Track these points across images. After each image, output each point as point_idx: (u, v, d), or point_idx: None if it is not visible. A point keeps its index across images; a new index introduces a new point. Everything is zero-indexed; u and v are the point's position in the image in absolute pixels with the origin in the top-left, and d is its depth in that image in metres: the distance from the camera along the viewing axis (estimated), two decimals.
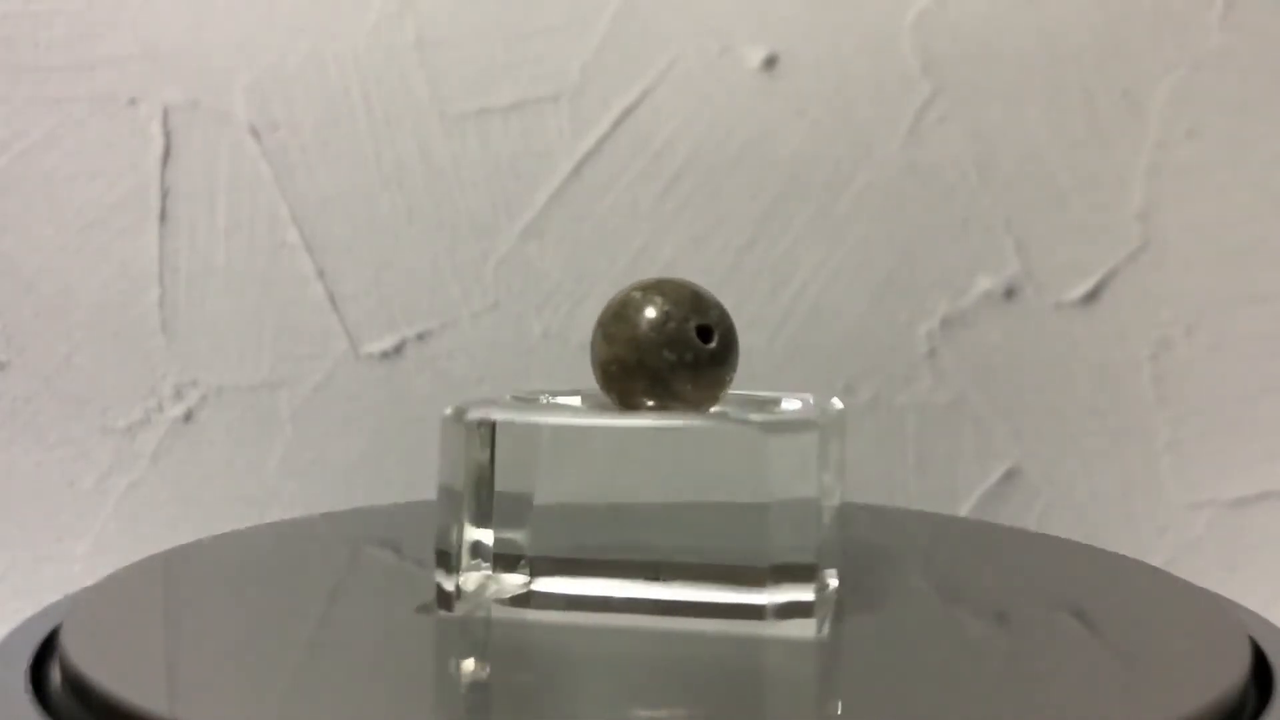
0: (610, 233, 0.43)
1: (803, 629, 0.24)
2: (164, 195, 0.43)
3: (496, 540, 0.26)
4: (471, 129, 0.43)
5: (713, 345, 0.26)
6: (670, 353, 0.26)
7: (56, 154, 0.42)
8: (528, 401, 0.28)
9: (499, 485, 0.26)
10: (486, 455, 0.26)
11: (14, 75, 0.42)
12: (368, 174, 0.43)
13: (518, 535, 0.26)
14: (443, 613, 0.25)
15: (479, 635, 0.25)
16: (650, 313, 0.26)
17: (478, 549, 0.26)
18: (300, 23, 0.42)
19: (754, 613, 0.24)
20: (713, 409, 0.27)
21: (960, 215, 0.42)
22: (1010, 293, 0.42)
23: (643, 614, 0.25)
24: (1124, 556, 0.31)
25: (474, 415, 0.26)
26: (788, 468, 0.24)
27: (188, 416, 0.43)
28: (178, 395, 0.43)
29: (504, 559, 0.26)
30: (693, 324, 0.26)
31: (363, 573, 0.30)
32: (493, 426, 0.26)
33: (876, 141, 0.42)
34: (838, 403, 0.28)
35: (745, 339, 0.43)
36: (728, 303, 0.42)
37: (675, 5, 0.42)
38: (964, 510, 0.43)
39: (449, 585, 0.25)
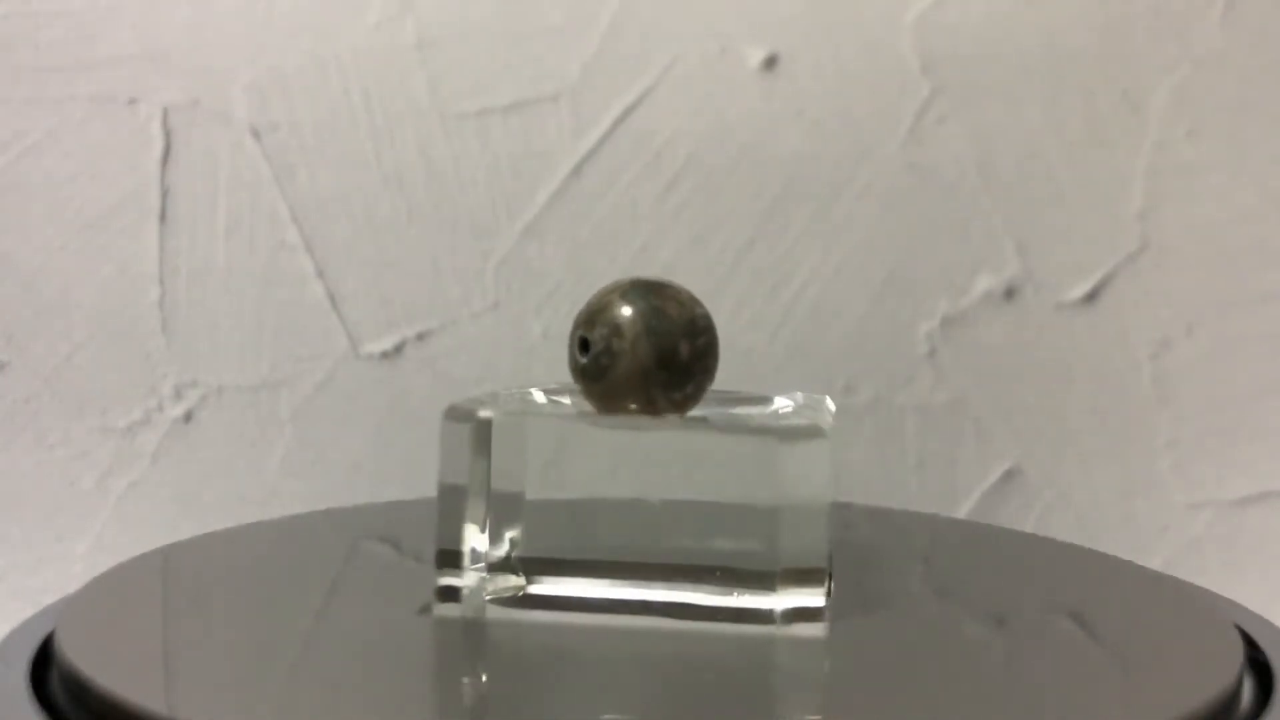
0: (610, 233, 0.43)
1: (812, 633, 0.24)
2: (164, 195, 0.43)
3: (495, 540, 0.26)
4: (471, 129, 0.43)
5: (584, 361, 0.26)
6: (571, 357, 0.26)
7: (56, 154, 0.42)
8: (527, 399, 0.28)
9: (496, 484, 0.26)
10: (488, 454, 0.26)
11: (14, 75, 0.42)
12: (368, 174, 0.43)
13: (515, 535, 0.26)
14: (441, 612, 0.25)
15: (477, 634, 0.25)
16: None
17: (477, 549, 0.26)
18: (300, 23, 0.42)
19: (763, 617, 0.25)
20: (694, 412, 0.27)
21: (960, 215, 0.42)
22: (1010, 293, 0.42)
23: (647, 616, 0.25)
24: (1121, 559, 0.31)
25: (480, 413, 0.26)
26: (797, 474, 0.24)
27: (188, 416, 0.43)
28: (178, 395, 0.43)
29: (502, 559, 0.26)
30: (579, 334, 0.26)
31: (361, 570, 0.30)
32: (489, 425, 0.26)
33: (876, 141, 0.42)
34: (830, 404, 0.29)
35: (745, 339, 0.43)
36: (727, 303, 0.42)
37: (675, 5, 0.42)
38: (964, 510, 0.43)
39: (449, 583, 0.25)
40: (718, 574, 0.25)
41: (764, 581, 0.25)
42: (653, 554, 0.26)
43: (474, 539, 0.26)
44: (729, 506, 0.25)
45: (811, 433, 0.25)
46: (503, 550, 0.26)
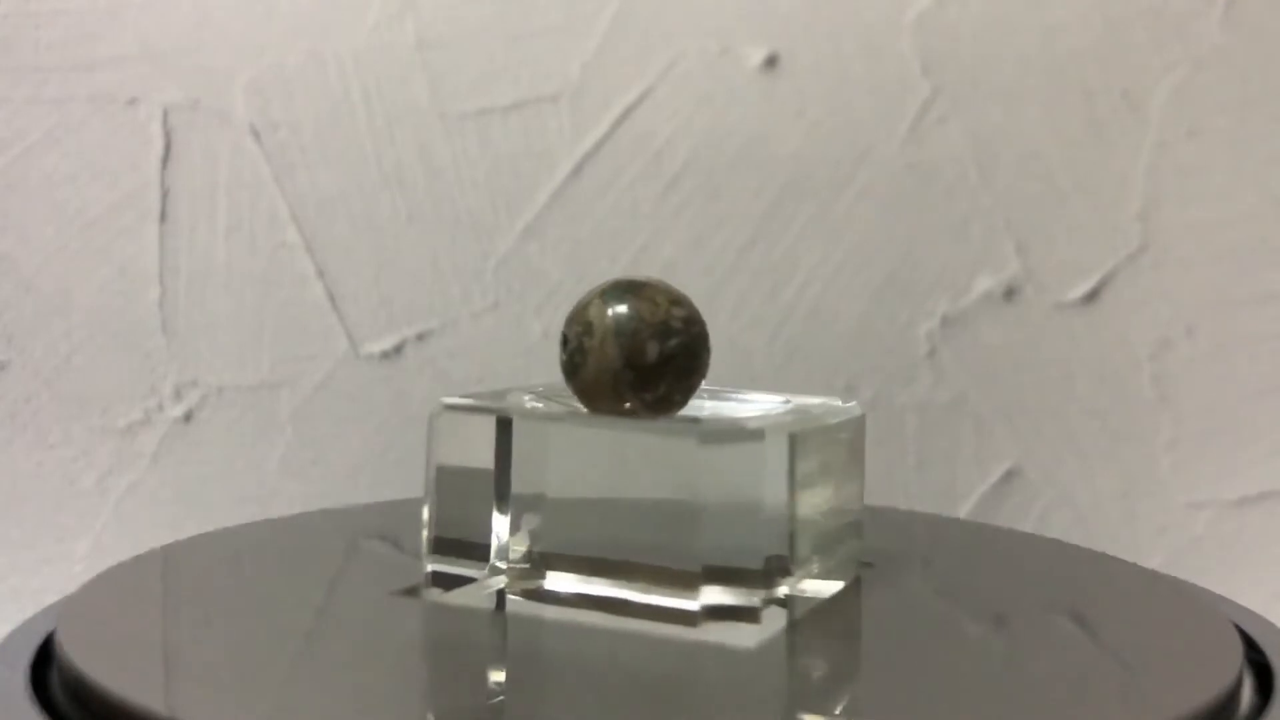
0: (610, 233, 0.43)
1: (740, 635, 0.24)
2: (164, 195, 0.43)
3: (484, 533, 0.26)
4: (471, 129, 0.43)
5: (563, 358, 0.26)
6: (560, 354, 0.27)
7: (56, 154, 0.42)
8: (508, 397, 0.28)
9: (500, 479, 0.26)
10: (488, 448, 0.26)
11: (14, 75, 0.42)
12: (368, 174, 0.43)
13: (500, 529, 0.26)
14: (434, 603, 0.25)
15: (472, 630, 0.25)
16: None
17: (465, 541, 0.26)
18: (300, 23, 0.42)
19: (686, 617, 0.24)
20: (680, 413, 0.27)
21: (960, 215, 0.42)
22: (1010, 293, 0.42)
23: (579, 609, 0.25)
24: (1120, 559, 0.31)
25: (468, 409, 0.26)
26: (727, 475, 0.24)
27: (188, 416, 0.43)
28: (178, 395, 0.43)
29: (493, 553, 0.26)
30: (561, 331, 0.27)
31: (361, 569, 0.31)
32: (504, 422, 0.26)
33: (876, 141, 0.42)
34: (855, 407, 0.29)
35: (745, 339, 0.43)
36: (727, 303, 0.42)
37: (675, 5, 0.42)
38: (964, 510, 0.43)
39: (438, 570, 0.26)
40: (648, 572, 0.25)
41: (686, 581, 0.24)
42: (593, 549, 0.25)
43: (463, 532, 0.26)
44: (663, 504, 0.25)
45: (740, 435, 0.24)
46: (492, 545, 0.26)
